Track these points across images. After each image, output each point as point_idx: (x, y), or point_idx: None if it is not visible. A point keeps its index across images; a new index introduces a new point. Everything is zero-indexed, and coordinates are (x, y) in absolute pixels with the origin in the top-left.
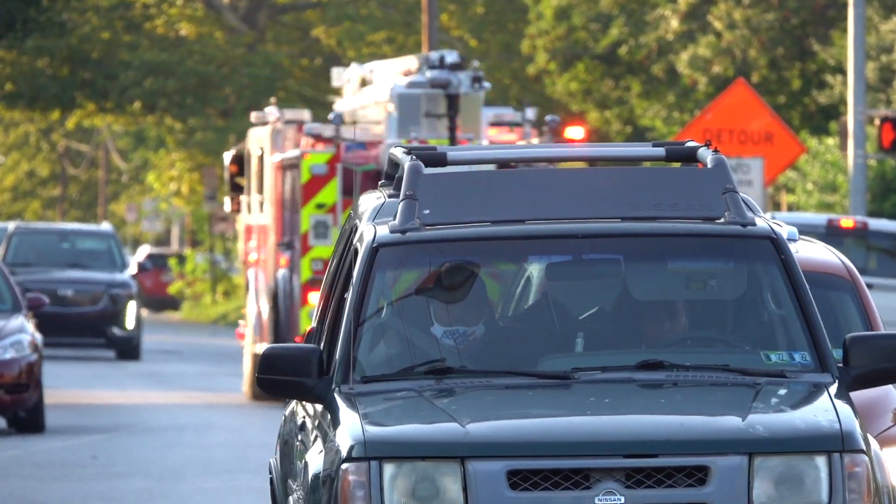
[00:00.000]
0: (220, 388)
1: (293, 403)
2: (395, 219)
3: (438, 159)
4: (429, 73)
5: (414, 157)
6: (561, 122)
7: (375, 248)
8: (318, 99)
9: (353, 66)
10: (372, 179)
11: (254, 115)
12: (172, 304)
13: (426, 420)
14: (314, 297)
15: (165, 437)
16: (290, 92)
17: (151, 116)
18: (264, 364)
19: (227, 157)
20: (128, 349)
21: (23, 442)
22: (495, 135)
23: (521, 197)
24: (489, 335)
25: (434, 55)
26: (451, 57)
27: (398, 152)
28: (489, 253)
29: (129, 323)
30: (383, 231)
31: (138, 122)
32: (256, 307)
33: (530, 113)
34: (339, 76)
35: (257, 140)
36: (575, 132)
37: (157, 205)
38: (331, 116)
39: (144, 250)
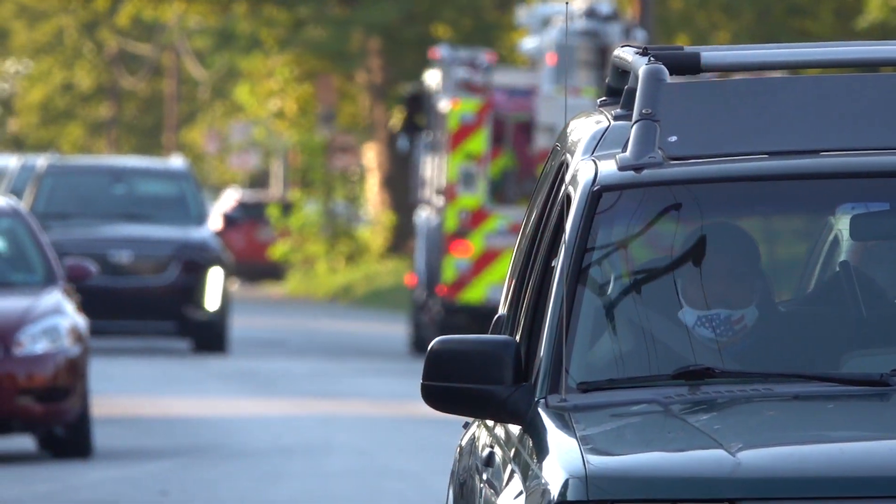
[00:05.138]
0: (342, 394)
1: (473, 426)
2: (625, 150)
3: (689, 63)
4: (580, 23)
5: (652, 58)
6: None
7: (597, 193)
8: None
9: (539, 6)
10: (523, 131)
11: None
12: (273, 272)
13: (677, 446)
14: (460, 247)
15: (264, 465)
16: None
17: (241, 3)
18: (433, 365)
19: (407, 94)
20: (209, 338)
21: (61, 471)
22: None
23: (812, 116)
24: (765, 323)
25: (593, 4)
26: (604, 7)
27: (628, 53)
28: (768, 199)
29: (212, 301)
30: (608, 168)
31: (223, 11)
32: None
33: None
34: (525, 16)
35: (433, 80)
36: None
37: (250, 131)
38: (482, 63)
39: (233, 196)
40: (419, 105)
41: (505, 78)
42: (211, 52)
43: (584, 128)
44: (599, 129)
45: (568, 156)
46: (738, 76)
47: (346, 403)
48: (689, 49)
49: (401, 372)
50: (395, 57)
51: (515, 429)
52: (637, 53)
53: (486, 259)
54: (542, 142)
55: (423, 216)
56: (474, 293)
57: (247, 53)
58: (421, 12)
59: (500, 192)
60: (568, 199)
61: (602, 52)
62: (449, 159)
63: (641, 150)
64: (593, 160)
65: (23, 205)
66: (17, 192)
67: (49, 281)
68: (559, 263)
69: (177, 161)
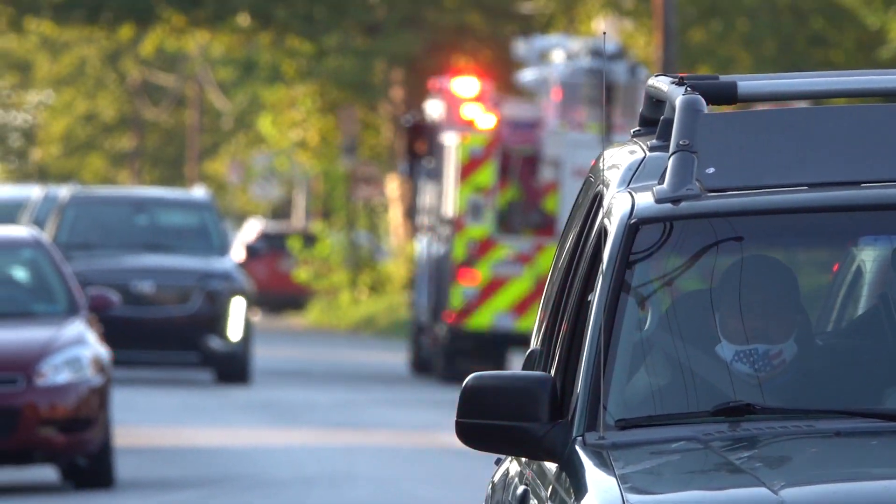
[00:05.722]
0: (364, 424)
1: (506, 462)
2: (662, 181)
3: (725, 93)
4: (587, 61)
5: (689, 89)
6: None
7: (634, 226)
8: (509, 10)
9: (537, 39)
10: (529, 164)
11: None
12: (295, 302)
13: (718, 484)
14: (467, 275)
15: (287, 495)
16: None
17: (265, 34)
18: (469, 401)
19: (407, 122)
20: (232, 369)
21: (84, 502)
22: None
23: (851, 147)
24: (804, 357)
25: (597, 42)
26: (609, 46)
27: (663, 83)
28: (804, 232)
29: (234, 331)
30: (645, 200)
31: (246, 42)
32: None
33: None
34: (523, 49)
35: (434, 110)
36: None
37: (272, 162)
38: (490, 96)
39: (255, 227)
40: (419, 134)
41: (509, 111)
42: (234, 82)
43: (620, 159)
44: (635, 161)
45: (603, 187)
46: (762, 106)
47: (369, 433)
48: (724, 78)
49: (423, 402)
50: (418, 87)
51: (552, 466)
52: (673, 83)
53: (492, 287)
54: (547, 174)
55: (424, 241)
56: (480, 320)
57: (269, 84)
58: (444, 43)
59: (506, 222)
60: (604, 231)
61: (607, 90)
62: (458, 191)
63: (679, 182)
64: (630, 192)
65: (45, 235)
66: (39, 222)
67: (71, 311)
68: (595, 297)
69: (199, 191)
